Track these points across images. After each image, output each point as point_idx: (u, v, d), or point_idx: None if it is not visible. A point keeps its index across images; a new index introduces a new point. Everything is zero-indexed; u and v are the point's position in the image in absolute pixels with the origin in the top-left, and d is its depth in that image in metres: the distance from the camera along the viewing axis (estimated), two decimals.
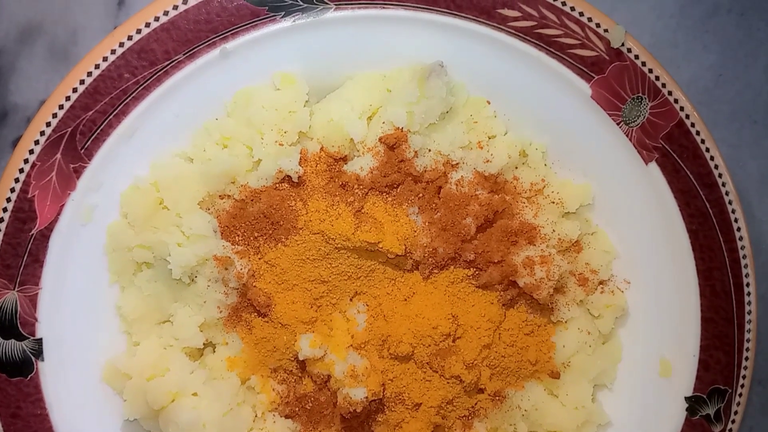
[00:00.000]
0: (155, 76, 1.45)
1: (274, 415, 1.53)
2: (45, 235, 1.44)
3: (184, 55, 1.46)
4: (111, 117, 1.44)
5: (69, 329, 1.48)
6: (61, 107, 1.42)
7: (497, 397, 1.55)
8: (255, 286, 1.48)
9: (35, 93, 1.65)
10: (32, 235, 1.44)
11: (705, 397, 1.55)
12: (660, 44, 1.75)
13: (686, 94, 1.52)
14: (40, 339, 1.46)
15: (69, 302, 1.48)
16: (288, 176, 1.50)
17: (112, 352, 1.52)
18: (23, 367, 1.45)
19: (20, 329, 1.44)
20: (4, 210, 1.42)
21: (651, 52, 1.51)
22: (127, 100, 1.44)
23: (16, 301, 1.44)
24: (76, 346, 1.49)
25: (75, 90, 1.42)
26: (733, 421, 1.55)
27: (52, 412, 1.46)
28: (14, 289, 1.44)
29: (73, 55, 1.65)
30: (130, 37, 1.43)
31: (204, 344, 1.52)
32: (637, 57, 1.50)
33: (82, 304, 1.49)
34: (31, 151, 1.42)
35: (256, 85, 1.52)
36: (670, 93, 1.51)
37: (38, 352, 1.45)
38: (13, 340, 1.44)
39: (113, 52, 1.42)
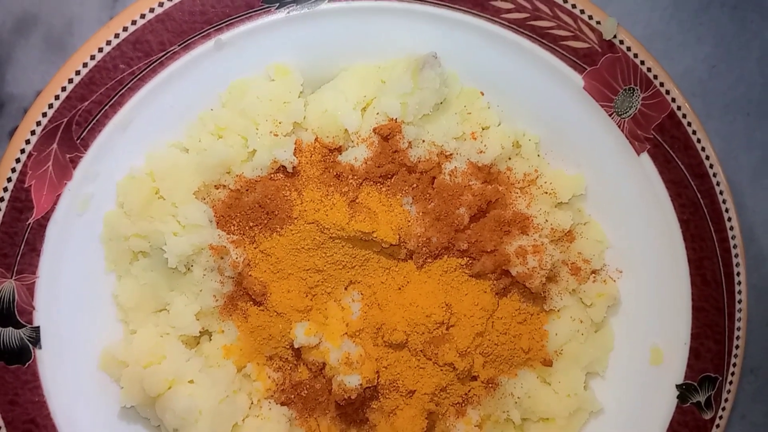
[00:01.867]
0: (150, 67, 1.45)
1: (269, 402, 1.54)
2: (42, 225, 1.45)
3: (179, 46, 1.46)
4: (106, 107, 1.45)
5: (66, 317, 1.49)
6: (57, 98, 1.42)
7: (490, 385, 1.57)
8: (250, 275, 1.50)
9: (31, 84, 1.65)
10: (29, 224, 1.45)
11: (696, 384, 1.56)
12: (654, 36, 1.76)
13: (679, 86, 1.52)
14: (38, 327, 1.47)
15: (66, 291, 1.49)
16: (283, 166, 1.51)
17: (109, 340, 1.53)
18: (21, 354, 1.46)
19: (18, 317, 1.46)
20: (1, 200, 1.43)
21: (645, 44, 1.52)
22: (123, 90, 1.45)
23: (13, 289, 1.45)
24: (74, 334, 1.50)
25: (71, 81, 1.42)
26: (724, 408, 1.57)
27: (50, 399, 1.47)
28: (11, 278, 1.45)
29: (69, 46, 1.65)
30: (125, 29, 1.43)
31: (200, 332, 1.53)
32: (629, 49, 1.50)
33: (79, 292, 1.50)
34: (28, 141, 1.43)
35: (250, 76, 1.52)
36: (661, 84, 1.51)
37: (36, 340, 1.47)
38: (10, 328, 1.45)
39: (108, 43, 1.43)
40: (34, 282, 1.46)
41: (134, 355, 1.48)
